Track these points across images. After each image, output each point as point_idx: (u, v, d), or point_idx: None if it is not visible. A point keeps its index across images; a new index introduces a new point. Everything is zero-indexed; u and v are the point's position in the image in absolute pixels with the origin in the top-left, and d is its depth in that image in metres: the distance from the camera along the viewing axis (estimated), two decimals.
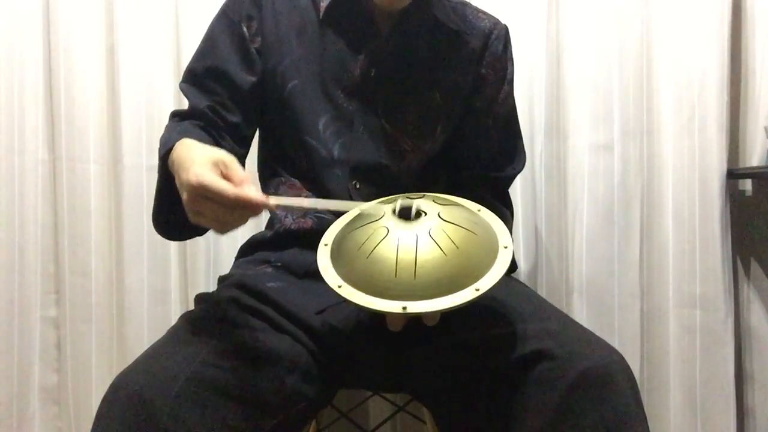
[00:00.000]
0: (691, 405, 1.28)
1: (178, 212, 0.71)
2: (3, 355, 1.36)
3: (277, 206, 0.65)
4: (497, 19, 1.00)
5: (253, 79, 0.91)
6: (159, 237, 1.31)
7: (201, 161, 0.63)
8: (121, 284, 1.35)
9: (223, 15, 0.94)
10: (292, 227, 0.90)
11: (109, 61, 1.34)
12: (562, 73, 1.31)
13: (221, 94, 0.89)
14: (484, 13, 1.01)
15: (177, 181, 0.67)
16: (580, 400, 0.62)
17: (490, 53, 0.97)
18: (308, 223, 0.89)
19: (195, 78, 0.91)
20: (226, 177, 0.62)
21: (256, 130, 0.98)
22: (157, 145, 1.34)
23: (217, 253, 1.36)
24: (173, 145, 0.72)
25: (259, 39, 0.92)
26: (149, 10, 1.34)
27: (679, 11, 1.27)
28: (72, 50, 1.34)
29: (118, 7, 1.33)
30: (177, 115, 0.90)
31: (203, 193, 0.60)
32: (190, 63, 0.93)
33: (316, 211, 0.88)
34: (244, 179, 0.62)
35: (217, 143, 0.84)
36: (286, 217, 0.91)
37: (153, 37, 1.34)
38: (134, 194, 1.34)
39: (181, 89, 0.92)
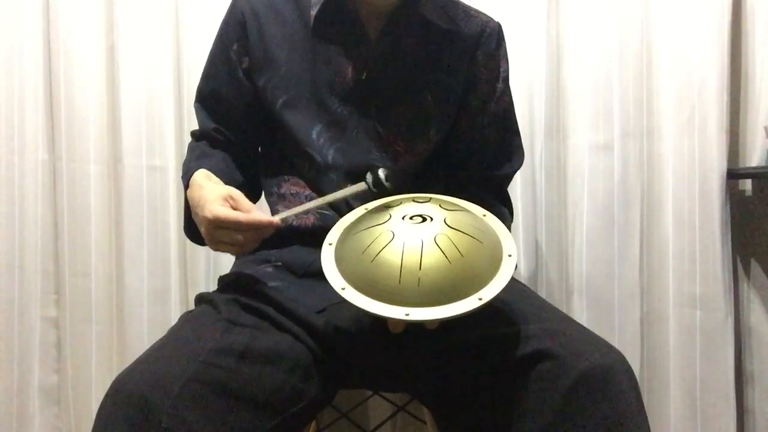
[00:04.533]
0: (691, 405, 1.28)
1: None
2: (3, 355, 1.36)
3: (283, 219, 0.75)
4: (489, 17, 1.00)
5: (244, 101, 0.95)
6: (159, 237, 1.35)
7: (212, 199, 0.75)
8: (121, 284, 1.35)
9: (219, 38, 0.97)
10: (294, 224, 0.90)
11: (109, 61, 1.34)
12: (562, 73, 1.31)
13: (223, 116, 0.96)
14: (476, 11, 1.00)
15: (195, 218, 0.80)
16: (582, 399, 0.62)
17: (482, 51, 0.96)
18: (310, 219, 0.89)
19: (202, 99, 0.99)
20: (234, 208, 0.74)
21: (259, 144, 1.01)
22: (158, 145, 1.39)
23: (217, 253, 1.36)
24: (192, 174, 0.85)
25: (247, 59, 0.94)
26: (149, 10, 1.34)
27: (679, 11, 1.27)
28: (72, 50, 1.34)
29: (118, 7, 1.33)
30: (194, 135, 1.00)
31: (219, 224, 0.72)
32: (199, 82, 0.99)
33: (319, 208, 0.88)
34: (251, 207, 0.75)
35: (227, 161, 0.95)
36: None
37: (153, 37, 1.34)
38: (134, 194, 1.34)
39: (195, 108, 1.00)
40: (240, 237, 0.73)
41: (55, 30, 1.34)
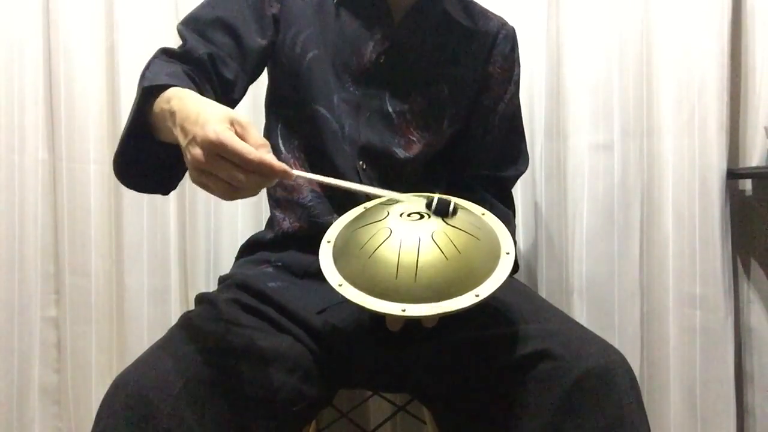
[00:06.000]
0: (691, 405, 1.28)
1: (145, 157, 0.71)
2: (3, 355, 1.36)
3: (297, 177, 0.61)
4: (505, 20, 1.02)
5: (264, 43, 0.88)
6: (159, 237, 1.34)
7: (217, 117, 0.58)
8: (121, 284, 1.35)
9: None
10: (290, 230, 0.90)
11: (109, 61, 1.34)
12: (562, 73, 1.31)
13: (224, 48, 0.84)
14: (492, 13, 1.02)
15: (181, 134, 0.61)
16: (582, 400, 0.62)
17: (498, 52, 0.98)
18: (306, 225, 0.89)
19: (199, 24, 0.84)
20: (242, 138, 0.57)
21: (244, 95, 0.90)
22: None
23: (217, 254, 1.36)
24: (162, 85, 0.68)
25: (278, 5, 0.90)
26: (149, 10, 1.34)
27: (679, 11, 1.27)
28: (72, 50, 1.34)
29: (118, 7, 1.33)
30: (167, 54, 0.80)
31: (221, 152, 0.55)
32: (195, 9, 0.86)
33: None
34: (263, 144, 0.58)
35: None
36: (284, 220, 0.91)
37: (153, 37, 1.34)
38: (134, 194, 1.33)
39: (179, 31, 0.84)
40: (241, 176, 0.56)
41: (55, 30, 1.34)
